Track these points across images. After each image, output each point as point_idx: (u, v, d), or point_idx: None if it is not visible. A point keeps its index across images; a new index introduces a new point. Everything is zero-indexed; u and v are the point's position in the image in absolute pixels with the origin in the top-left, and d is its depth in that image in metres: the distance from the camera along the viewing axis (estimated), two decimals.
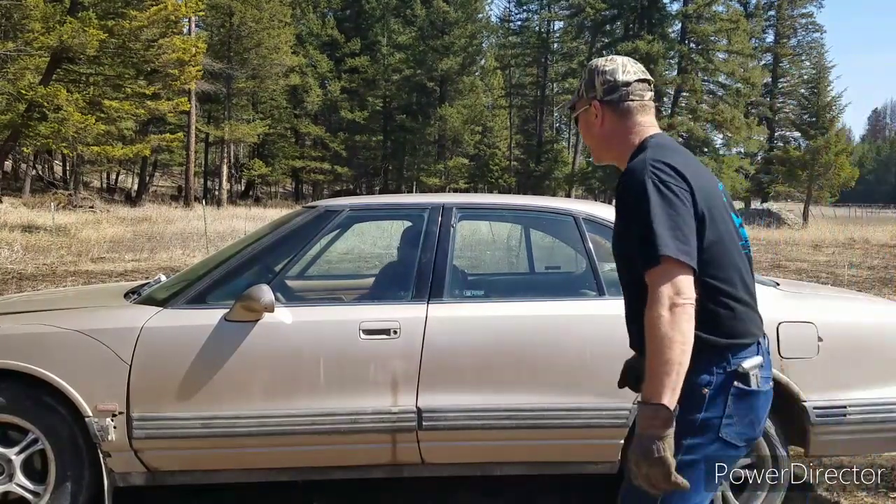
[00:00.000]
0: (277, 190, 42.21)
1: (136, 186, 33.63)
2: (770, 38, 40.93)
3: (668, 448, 1.21)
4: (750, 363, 1.32)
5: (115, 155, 16.50)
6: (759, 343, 1.35)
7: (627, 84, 1.45)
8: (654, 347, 1.23)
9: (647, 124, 1.47)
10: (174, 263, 10.07)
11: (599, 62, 1.50)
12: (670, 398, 1.22)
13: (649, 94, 1.48)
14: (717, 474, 1.36)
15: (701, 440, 1.31)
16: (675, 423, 1.22)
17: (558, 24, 41.84)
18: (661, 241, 1.25)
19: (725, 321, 1.33)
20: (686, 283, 1.25)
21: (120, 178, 37.29)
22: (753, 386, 1.32)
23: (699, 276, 1.29)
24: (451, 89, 36.65)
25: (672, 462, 1.21)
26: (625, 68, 1.46)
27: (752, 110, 38.25)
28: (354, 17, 39.15)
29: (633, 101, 1.45)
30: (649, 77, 1.49)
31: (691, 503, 1.33)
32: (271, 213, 20.37)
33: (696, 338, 1.26)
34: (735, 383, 1.32)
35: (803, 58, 41.50)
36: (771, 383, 1.38)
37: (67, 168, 30.47)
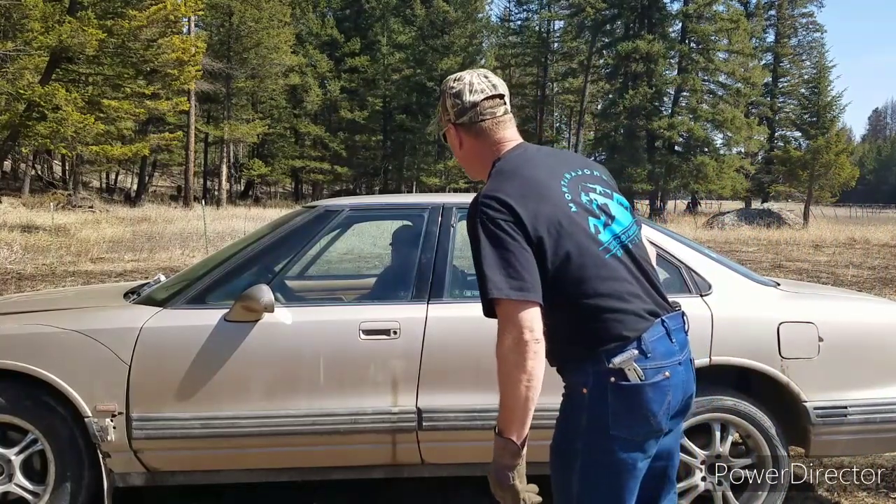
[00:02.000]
0: (277, 190, 42.20)
1: (135, 186, 33.64)
2: (770, 37, 40.94)
3: (518, 476, 1.32)
4: (620, 358, 1.31)
5: (115, 155, 16.50)
6: (640, 338, 1.33)
7: (475, 105, 1.44)
8: (502, 384, 1.29)
9: (506, 140, 1.46)
10: (174, 263, 10.07)
11: (448, 82, 1.48)
12: (518, 432, 1.31)
13: (502, 109, 1.46)
14: (632, 474, 1.34)
15: (594, 439, 1.34)
16: (524, 453, 1.33)
17: (558, 24, 41.84)
18: (492, 285, 1.27)
19: (595, 332, 1.34)
20: (527, 318, 1.26)
21: (119, 178, 37.29)
22: (633, 380, 1.31)
23: (559, 300, 1.32)
24: None
25: (521, 488, 1.32)
26: (472, 88, 1.44)
27: (753, 110, 38.25)
28: (354, 16, 39.15)
29: (483, 121, 1.44)
30: (501, 91, 1.46)
31: (607, 495, 1.35)
32: (271, 213, 20.37)
33: (567, 349, 1.35)
34: (611, 379, 1.32)
35: (804, 57, 41.50)
36: (666, 373, 1.34)
37: (67, 168, 30.47)
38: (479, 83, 1.45)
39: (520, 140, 1.49)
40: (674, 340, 1.37)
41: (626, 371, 1.32)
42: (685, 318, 1.44)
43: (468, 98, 1.44)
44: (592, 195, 1.42)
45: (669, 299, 1.44)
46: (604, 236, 1.38)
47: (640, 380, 1.32)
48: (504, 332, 1.28)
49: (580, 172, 1.46)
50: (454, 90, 1.46)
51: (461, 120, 1.46)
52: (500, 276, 1.27)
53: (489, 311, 1.32)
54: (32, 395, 2.26)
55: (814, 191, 25.57)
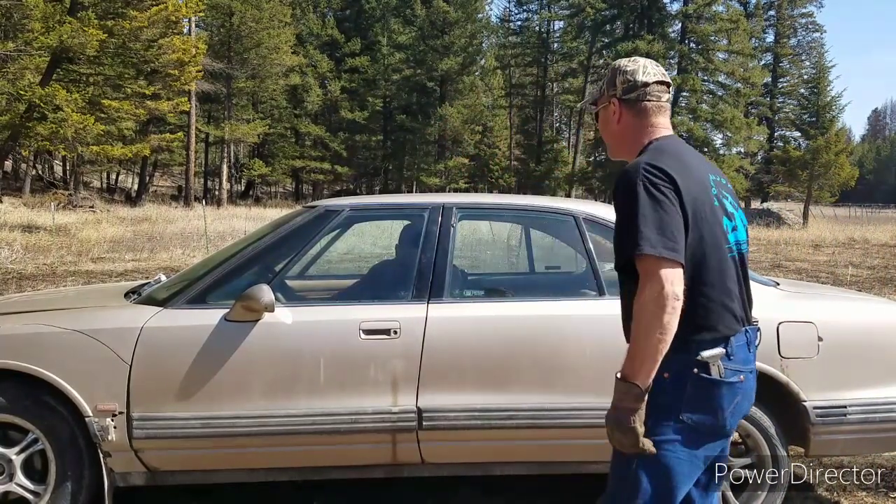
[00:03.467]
0: (277, 190, 42.20)
1: (136, 186, 33.64)
2: (770, 37, 40.94)
3: (638, 420, 1.36)
4: (709, 353, 1.40)
5: (115, 155, 16.50)
6: (728, 338, 1.42)
7: (646, 85, 1.53)
8: (637, 332, 1.36)
9: (661, 126, 1.55)
10: (174, 263, 10.07)
11: (622, 62, 1.57)
12: (643, 379, 1.35)
13: (666, 97, 1.55)
14: (689, 462, 1.42)
15: (664, 421, 1.41)
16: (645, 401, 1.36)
17: (558, 24, 41.84)
18: (646, 241, 1.34)
19: (695, 316, 1.41)
20: (672, 276, 1.33)
21: (120, 178, 37.29)
22: (714, 375, 1.40)
23: (700, 271, 1.41)
24: (451, 89, 36.64)
25: (641, 431, 1.36)
26: (645, 70, 1.54)
27: (752, 110, 38.24)
28: (354, 16, 39.15)
29: (649, 101, 1.53)
30: (669, 80, 1.56)
31: (663, 483, 1.42)
32: (271, 213, 20.37)
33: None
34: (694, 370, 1.40)
35: (803, 57, 41.50)
36: (741, 377, 1.43)
37: (67, 168, 30.47)
38: (652, 68, 1.56)
39: (672, 132, 1.57)
40: (751, 350, 1.48)
41: (710, 365, 1.40)
42: (760, 333, 1.54)
43: (641, 77, 1.53)
44: (726, 202, 1.52)
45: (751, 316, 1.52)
46: (731, 237, 1.49)
47: (720, 377, 1.41)
48: (647, 285, 1.34)
49: (720, 179, 1.56)
50: (628, 68, 1.55)
51: (628, 96, 1.54)
52: (656, 234, 1.34)
53: (626, 265, 1.39)
54: (33, 395, 2.26)
55: (813, 191, 25.59)
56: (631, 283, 1.41)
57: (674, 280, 1.33)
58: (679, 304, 1.34)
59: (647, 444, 1.38)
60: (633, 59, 1.57)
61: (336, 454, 2.35)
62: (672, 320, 1.33)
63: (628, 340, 1.46)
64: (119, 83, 16.06)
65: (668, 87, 1.56)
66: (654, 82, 1.53)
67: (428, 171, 36.17)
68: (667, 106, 1.55)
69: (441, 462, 2.39)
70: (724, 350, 1.41)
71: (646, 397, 1.37)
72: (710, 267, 1.42)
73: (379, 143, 38.45)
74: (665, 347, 1.34)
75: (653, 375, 1.36)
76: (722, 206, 1.49)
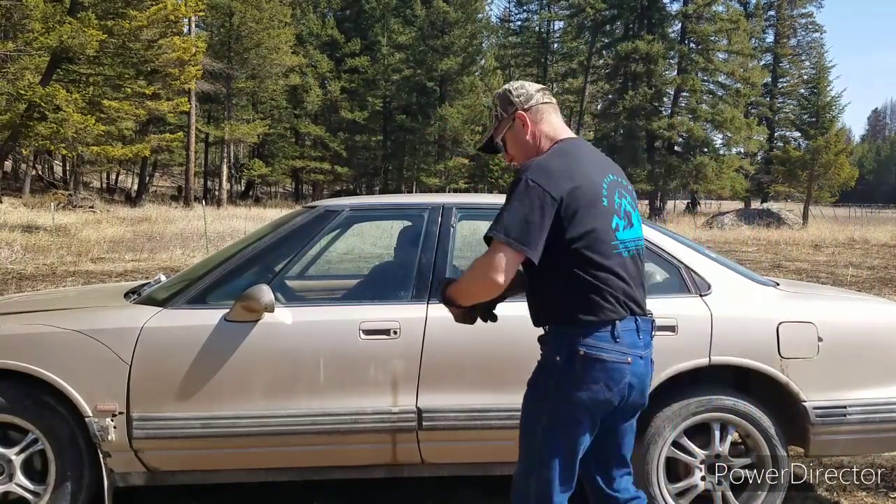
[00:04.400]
0: (277, 190, 42.20)
1: (135, 186, 33.64)
2: (770, 38, 40.95)
3: (459, 314, 1.76)
4: (594, 337, 1.59)
5: (115, 155, 16.49)
6: (613, 322, 1.60)
7: (538, 91, 1.75)
8: (463, 278, 1.68)
9: (560, 126, 1.74)
10: (174, 263, 10.07)
11: (507, 86, 1.78)
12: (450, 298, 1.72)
13: (552, 99, 1.77)
14: (585, 433, 1.64)
15: (559, 400, 1.61)
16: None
17: (558, 25, 41.85)
18: (503, 227, 1.56)
19: (579, 302, 1.60)
20: (505, 263, 1.55)
21: (120, 178, 37.29)
22: (600, 355, 1.59)
23: (563, 266, 1.59)
24: (451, 89, 36.63)
25: (459, 311, 1.74)
26: (526, 84, 1.77)
27: (752, 110, 38.25)
28: (354, 17, 39.14)
29: (545, 104, 1.74)
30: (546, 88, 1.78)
31: (566, 454, 1.63)
32: (271, 213, 20.38)
33: (554, 315, 1.65)
34: (581, 352, 1.59)
35: (803, 58, 41.51)
36: (628, 359, 1.60)
37: (67, 168, 30.46)
38: (529, 83, 1.78)
39: (573, 134, 1.75)
40: (640, 337, 1.64)
41: (596, 346, 1.59)
42: (654, 325, 1.71)
43: (529, 90, 1.74)
44: (623, 201, 1.67)
45: (646, 308, 1.69)
46: (620, 234, 1.63)
47: (606, 357, 1.59)
48: (486, 258, 1.58)
49: (618, 179, 1.71)
50: (515, 86, 1.76)
51: (529, 105, 1.72)
52: (515, 225, 1.55)
53: (488, 238, 1.60)
54: (33, 395, 2.26)
55: (813, 191, 25.58)
56: (533, 276, 1.64)
57: (505, 266, 1.55)
58: (496, 289, 1.58)
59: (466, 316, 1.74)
60: (510, 83, 1.80)
61: (336, 454, 2.35)
62: (480, 293, 1.63)
63: (535, 325, 1.72)
64: (119, 83, 16.05)
65: (548, 92, 1.77)
66: (538, 90, 1.75)
67: (428, 172, 36.17)
68: (557, 107, 1.76)
69: (441, 462, 2.39)
70: (608, 333, 1.59)
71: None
72: (593, 259, 1.58)
73: (379, 144, 38.44)
74: (472, 301, 1.68)
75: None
76: (612, 206, 1.63)
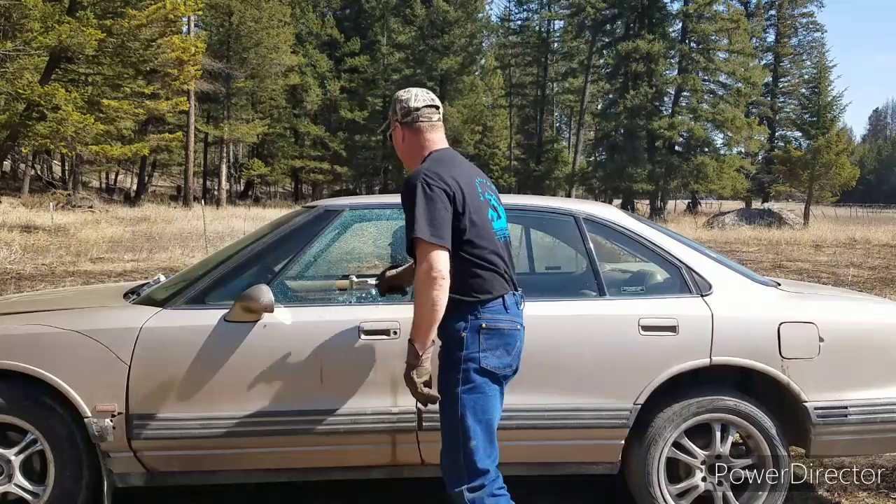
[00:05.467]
0: (277, 190, 42.19)
1: (134, 186, 33.65)
2: (771, 37, 40.92)
3: (416, 374, 1.79)
4: (490, 310, 1.83)
5: (114, 155, 16.49)
6: (503, 297, 1.85)
7: (417, 109, 1.94)
8: (416, 305, 1.78)
9: (435, 140, 1.96)
10: (173, 263, 10.07)
11: (399, 93, 1.99)
12: (421, 342, 1.78)
13: (437, 117, 1.97)
14: (497, 399, 1.86)
15: (468, 371, 1.81)
16: (429, 359, 1.79)
17: (558, 24, 41.83)
18: (420, 229, 1.75)
19: (477, 282, 1.84)
20: (437, 259, 1.74)
21: (119, 177, 37.30)
22: (498, 325, 1.83)
23: (460, 252, 1.81)
24: (451, 89, 36.62)
25: (419, 382, 1.79)
26: (416, 97, 1.95)
27: (753, 110, 38.22)
28: (354, 16, 39.13)
29: (422, 122, 1.94)
30: (438, 104, 1.98)
31: (484, 420, 1.82)
32: (271, 213, 20.37)
33: (455, 296, 1.81)
34: (483, 325, 1.82)
35: (804, 57, 41.48)
36: (518, 326, 1.88)
37: (66, 168, 30.47)
38: (422, 95, 1.97)
39: (447, 145, 2.00)
40: (520, 308, 1.93)
41: (493, 318, 1.83)
42: (524, 299, 1.97)
43: (413, 104, 1.95)
44: (492, 198, 1.97)
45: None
46: (495, 224, 1.93)
47: (503, 326, 1.84)
48: (420, 264, 1.76)
49: (485, 182, 1.99)
50: (403, 97, 1.97)
51: (406, 119, 1.95)
52: (427, 225, 1.75)
53: (410, 249, 1.81)
54: (32, 396, 2.25)
55: (814, 191, 25.58)
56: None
57: (439, 261, 1.74)
58: (445, 282, 1.75)
59: (430, 392, 1.81)
60: (406, 90, 1.99)
61: (336, 455, 2.35)
62: (440, 294, 1.74)
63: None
64: (118, 83, 16.05)
65: (438, 108, 1.97)
66: (423, 106, 1.94)
67: None
68: (438, 124, 1.97)
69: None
70: (501, 305, 1.84)
71: (425, 356, 1.78)
72: (484, 245, 1.84)
73: (379, 143, 38.43)
74: (438, 315, 1.76)
75: (429, 338, 1.77)
76: (487, 202, 1.91)
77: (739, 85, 33.52)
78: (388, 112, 2.01)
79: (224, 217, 20.17)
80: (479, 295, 1.83)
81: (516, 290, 1.93)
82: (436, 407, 2.28)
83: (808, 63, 41.44)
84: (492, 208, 1.92)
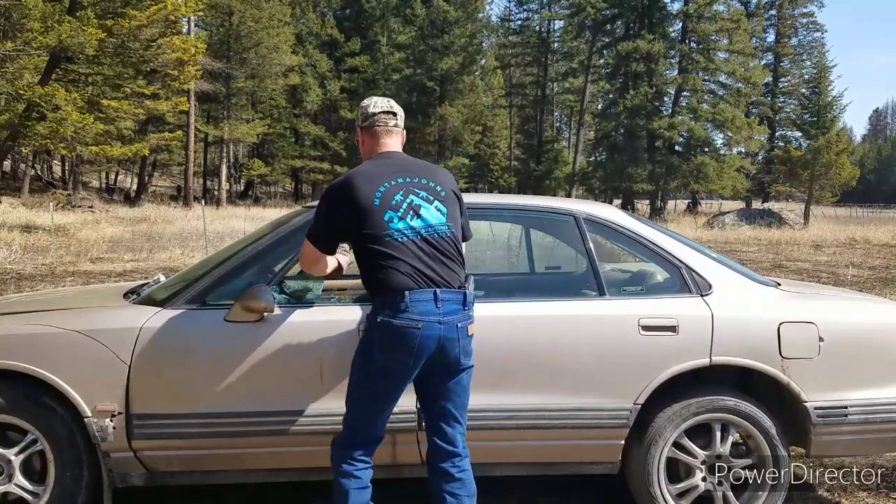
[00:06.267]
0: (277, 190, 42.19)
1: (135, 186, 33.65)
2: (771, 37, 40.91)
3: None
4: (388, 307, 1.93)
5: (114, 155, 16.48)
6: (403, 294, 1.91)
7: (374, 115, 2.12)
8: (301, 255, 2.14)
9: (387, 145, 2.13)
10: (173, 263, 10.07)
11: (363, 101, 2.17)
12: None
13: (393, 122, 2.13)
14: (384, 387, 2.00)
15: (365, 359, 1.99)
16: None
17: (558, 24, 41.82)
18: (311, 231, 2.05)
19: (372, 281, 1.98)
20: (310, 254, 2.08)
21: (119, 177, 37.30)
22: (391, 321, 1.92)
23: (362, 250, 1.99)
24: (451, 89, 36.62)
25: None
26: (375, 104, 2.13)
27: (753, 110, 38.21)
28: (354, 16, 39.12)
29: (378, 126, 2.11)
30: (395, 110, 2.14)
31: (363, 390, 2.01)
32: (271, 213, 20.37)
33: (368, 290, 2.03)
34: (378, 320, 1.94)
35: (804, 57, 41.47)
36: (419, 325, 1.91)
37: (66, 168, 30.47)
38: (381, 103, 2.14)
39: (397, 150, 2.14)
40: (439, 307, 1.93)
41: (388, 315, 1.93)
42: (466, 297, 1.99)
43: (371, 110, 2.12)
44: (411, 196, 2.01)
45: (461, 283, 2.00)
46: (395, 225, 1.97)
47: (396, 323, 1.91)
48: (301, 254, 2.13)
49: (415, 180, 2.05)
50: (364, 104, 2.15)
51: (364, 124, 2.13)
52: (316, 228, 2.04)
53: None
54: (32, 396, 2.25)
55: (814, 191, 25.56)
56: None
57: (310, 256, 2.08)
58: (315, 271, 2.13)
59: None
60: (369, 97, 2.17)
61: None
62: (310, 271, 2.16)
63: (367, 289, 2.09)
64: (118, 83, 16.04)
65: (395, 115, 2.13)
66: (380, 112, 2.11)
67: None
68: (395, 130, 2.13)
69: None
70: (399, 303, 1.91)
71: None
72: (372, 247, 1.96)
73: None
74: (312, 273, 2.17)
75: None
76: (387, 203, 1.97)
77: (739, 85, 33.51)
78: (356, 121, 2.20)
79: (224, 217, 20.17)
80: (375, 293, 1.99)
81: (444, 288, 1.95)
82: None
83: (808, 63, 41.45)
84: (392, 209, 1.97)
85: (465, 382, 2.04)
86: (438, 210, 2.03)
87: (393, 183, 2.01)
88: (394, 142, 2.13)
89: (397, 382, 1.98)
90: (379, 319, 1.94)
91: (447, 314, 1.94)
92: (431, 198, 2.04)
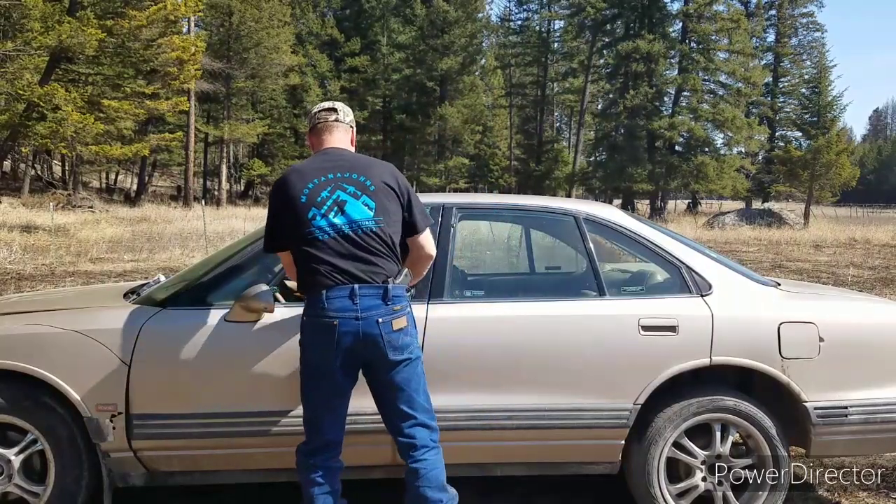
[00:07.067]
0: None
1: (135, 186, 33.64)
2: (771, 37, 40.91)
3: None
4: (310, 305, 1.99)
5: (114, 155, 16.48)
6: (321, 292, 1.95)
7: (315, 114, 2.20)
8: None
9: (326, 141, 2.17)
10: (173, 264, 10.07)
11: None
12: None
13: (333, 117, 2.18)
14: (318, 383, 2.03)
15: (301, 357, 2.06)
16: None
17: (558, 24, 41.83)
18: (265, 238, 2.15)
19: (301, 280, 2.04)
20: (281, 257, 2.18)
21: (119, 178, 37.29)
22: (314, 319, 1.98)
23: (293, 250, 2.04)
24: (451, 89, 36.62)
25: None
26: (318, 105, 2.23)
27: (753, 110, 38.21)
28: (354, 16, 39.11)
29: (318, 123, 2.18)
30: (335, 107, 2.20)
31: (306, 392, 2.06)
32: None
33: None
34: (304, 318, 2.03)
35: (804, 57, 41.48)
36: (335, 322, 1.94)
37: (66, 168, 30.47)
38: (324, 104, 2.22)
39: (335, 146, 2.16)
40: (356, 302, 1.95)
41: (310, 313, 2.00)
42: (387, 291, 1.98)
43: (313, 110, 2.22)
44: (338, 192, 2.03)
45: (386, 278, 1.99)
46: (317, 222, 1.99)
47: (316, 321, 1.97)
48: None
49: (345, 175, 2.05)
50: (311, 109, 2.27)
51: (310, 125, 2.20)
52: (267, 232, 2.12)
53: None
54: (32, 395, 2.25)
55: (814, 191, 25.55)
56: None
57: (283, 259, 2.15)
58: (288, 273, 2.14)
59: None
60: (318, 104, 2.29)
61: None
62: (288, 274, 2.18)
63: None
64: (118, 83, 16.04)
65: (334, 111, 2.18)
66: (320, 110, 2.19)
67: (428, 171, 36.15)
68: (334, 125, 2.17)
69: None
70: (317, 301, 1.95)
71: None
72: (296, 246, 2.01)
73: (379, 143, 38.43)
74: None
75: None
76: (312, 200, 2.00)
77: (739, 85, 33.51)
78: None
79: (224, 217, 20.17)
80: (304, 290, 2.04)
81: (362, 283, 1.96)
82: (435, 405, 2.30)
83: (808, 63, 41.45)
84: (316, 206, 1.99)
85: (408, 375, 2.02)
86: (366, 205, 2.02)
87: (322, 179, 2.03)
88: (336, 137, 2.17)
89: (331, 379, 2.00)
90: (304, 318, 2.01)
91: (365, 309, 1.95)
92: (359, 193, 2.03)
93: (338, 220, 1.99)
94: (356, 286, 1.95)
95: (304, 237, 1.98)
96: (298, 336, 2.12)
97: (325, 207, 1.99)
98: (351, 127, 2.22)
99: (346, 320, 1.93)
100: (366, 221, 2.01)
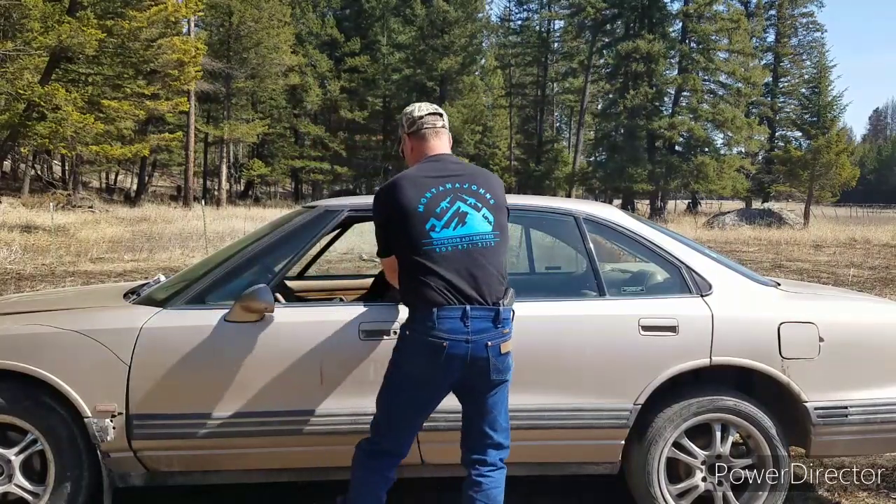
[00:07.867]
0: (277, 190, 42.18)
1: (135, 186, 33.65)
2: (771, 37, 40.91)
3: None
4: (417, 321, 1.91)
5: (114, 155, 16.48)
6: (431, 309, 1.87)
7: (421, 118, 2.07)
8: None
9: (434, 146, 2.07)
10: (173, 264, 10.07)
11: (405, 109, 2.14)
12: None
13: (441, 123, 2.09)
14: (410, 395, 1.98)
15: (393, 368, 2.00)
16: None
17: (559, 24, 41.82)
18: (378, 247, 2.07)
19: (410, 293, 1.94)
20: (385, 264, 2.08)
21: (119, 178, 37.30)
22: (415, 335, 1.90)
23: (401, 262, 1.96)
24: (451, 89, 36.61)
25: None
26: (420, 108, 2.10)
27: (753, 110, 38.21)
28: (354, 16, 39.12)
29: (426, 129, 2.07)
30: (440, 111, 2.11)
31: (389, 400, 2.01)
32: (271, 213, 20.36)
33: (402, 300, 2.01)
34: (407, 332, 1.95)
35: (804, 57, 41.47)
36: (445, 343, 1.86)
37: (66, 168, 30.47)
38: (425, 106, 2.11)
39: (444, 151, 2.07)
40: (468, 325, 1.87)
41: (416, 329, 1.90)
42: (499, 314, 1.90)
43: (416, 114, 2.08)
44: (458, 203, 1.94)
45: (498, 299, 1.91)
46: (436, 234, 1.91)
47: (421, 339, 1.88)
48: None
49: (464, 186, 1.98)
50: (408, 111, 2.11)
51: (412, 129, 2.07)
52: (376, 235, 2.05)
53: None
54: (32, 396, 2.25)
55: (814, 191, 25.54)
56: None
57: (386, 267, 2.08)
58: (393, 281, 2.07)
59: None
60: (411, 105, 2.13)
61: (336, 454, 2.34)
62: (391, 282, 2.10)
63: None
64: (118, 83, 16.05)
65: (441, 115, 2.10)
66: (426, 115, 2.07)
67: None
68: (442, 130, 2.08)
69: (441, 462, 2.39)
70: (426, 318, 1.87)
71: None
72: (409, 257, 1.92)
73: (379, 143, 38.44)
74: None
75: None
76: (431, 210, 1.91)
77: (739, 85, 33.51)
78: (398, 131, 2.16)
79: (224, 217, 20.17)
80: (410, 304, 1.95)
81: (476, 305, 1.88)
82: (438, 408, 2.31)
83: (808, 63, 41.45)
84: (436, 216, 1.90)
85: (500, 398, 1.99)
86: (486, 218, 1.94)
87: (440, 189, 1.94)
88: (442, 143, 2.07)
89: (424, 395, 1.96)
90: (407, 332, 1.93)
91: (475, 332, 1.87)
92: (480, 205, 1.95)
93: (459, 233, 1.90)
94: (468, 307, 1.87)
95: (418, 248, 1.89)
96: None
97: (446, 218, 1.90)
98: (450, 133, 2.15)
99: (455, 343, 1.85)
100: (486, 236, 1.93)
